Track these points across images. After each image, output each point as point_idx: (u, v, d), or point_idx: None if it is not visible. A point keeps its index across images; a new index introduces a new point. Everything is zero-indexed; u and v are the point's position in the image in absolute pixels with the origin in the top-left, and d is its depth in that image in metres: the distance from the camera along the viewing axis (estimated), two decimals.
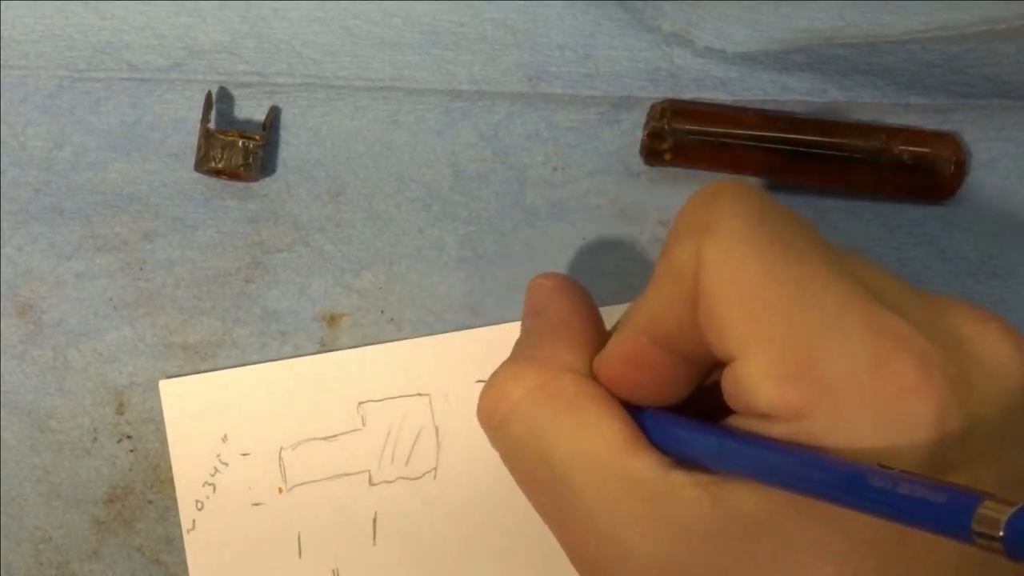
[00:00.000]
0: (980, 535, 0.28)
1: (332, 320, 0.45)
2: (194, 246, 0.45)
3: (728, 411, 0.35)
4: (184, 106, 0.45)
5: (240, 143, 0.44)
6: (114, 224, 0.45)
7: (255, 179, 0.45)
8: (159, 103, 0.45)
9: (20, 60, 0.44)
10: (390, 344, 0.45)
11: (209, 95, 0.44)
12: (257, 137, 0.44)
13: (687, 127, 0.44)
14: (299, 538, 0.44)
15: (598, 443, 0.36)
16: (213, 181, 0.45)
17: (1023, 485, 0.35)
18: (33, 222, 0.45)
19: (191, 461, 0.44)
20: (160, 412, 0.44)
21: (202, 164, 0.44)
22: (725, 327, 0.34)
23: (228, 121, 0.45)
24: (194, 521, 0.44)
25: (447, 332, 0.45)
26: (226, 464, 0.44)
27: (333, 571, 0.44)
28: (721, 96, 0.45)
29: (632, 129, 0.45)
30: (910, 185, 0.45)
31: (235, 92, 0.45)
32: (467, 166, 0.45)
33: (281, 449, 0.44)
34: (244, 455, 0.44)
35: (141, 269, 0.45)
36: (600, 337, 0.39)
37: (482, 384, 0.39)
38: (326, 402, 0.44)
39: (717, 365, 0.36)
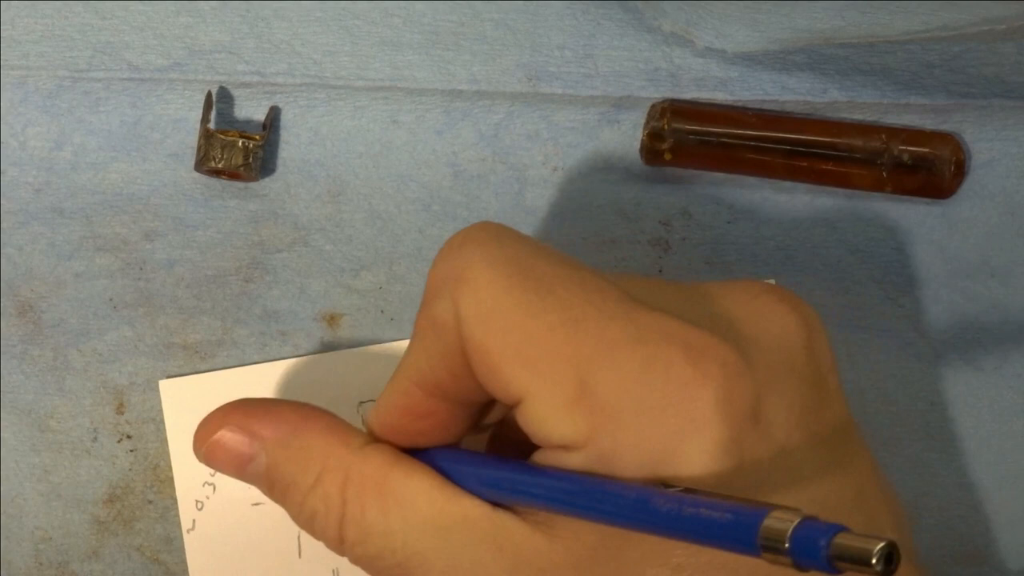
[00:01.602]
0: (767, 548, 0.28)
1: (332, 320, 0.45)
2: (194, 246, 0.45)
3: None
4: (184, 106, 0.45)
5: (240, 143, 0.44)
6: (114, 224, 0.45)
7: (255, 179, 0.45)
8: (159, 103, 0.45)
9: (20, 60, 0.44)
10: (390, 344, 0.45)
11: (209, 95, 0.44)
12: (257, 137, 0.44)
13: (687, 127, 0.44)
14: (299, 538, 0.44)
15: (419, 505, 0.35)
16: (213, 181, 0.45)
17: (829, 444, 0.35)
18: (33, 222, 0.45)
19: (191, 461, 0.44)
20: (160, 412, 0.44)
21: (202, 164, 0.44)
22: (500, 375, 0.34)
23: (228, 121, 0.45)
24: (194, 521, 0.44)
25: None
26: None
27: (333, 571, 0.44)
28: (721, 96, 0.45)
29: (632, 129, 0.45)
30: (910, 185, 0.45)
31: (235, 92, 0.45)
32: (467, 166, 0.45)
33: None
34: None
35: (141, 269, 0.45)
36: (326, 411, 0.39)
37: None
38: (326, 402, 0.44)
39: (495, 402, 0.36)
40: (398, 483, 0.36)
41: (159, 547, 0.44)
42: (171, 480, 0.44)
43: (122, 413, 0.45)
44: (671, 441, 0.32)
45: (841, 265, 0.45)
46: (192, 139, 0.45)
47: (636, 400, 0.32)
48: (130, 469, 0.44)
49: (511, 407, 0.35)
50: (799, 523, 0.27)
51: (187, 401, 0.44)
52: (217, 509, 0.44)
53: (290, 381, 0.44)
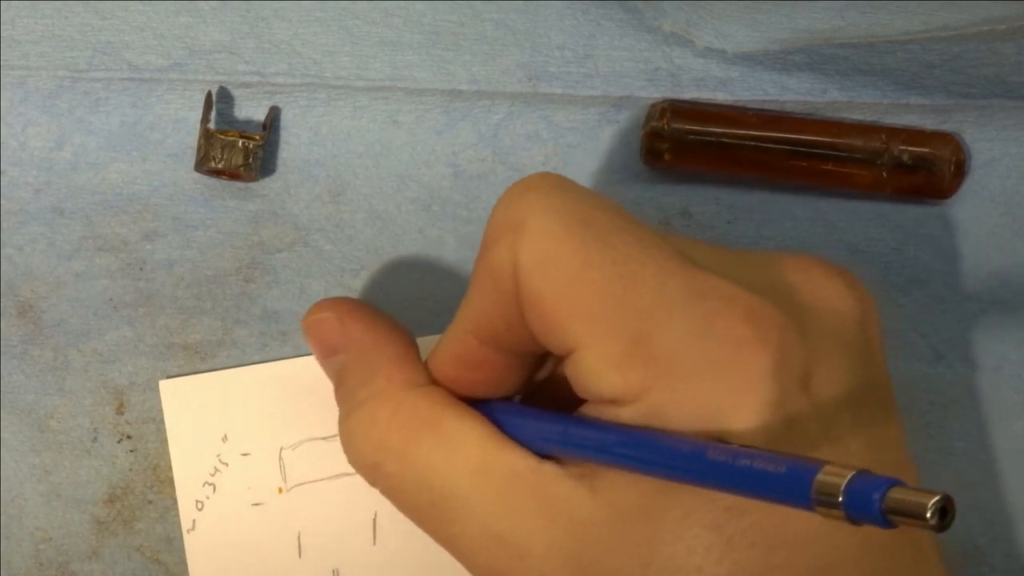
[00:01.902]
0: (820, 502, 0.28)
1: None
2: (194, 246, 0.45)
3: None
4: (184, 106, 0.45)
5: (240, 143, 0.44)
6: (114, 224, 0.45)
7: (255, 179, 0.45)
8: (159, 103, 0.45)
9: (20, 60, 0.44)
10: None
11: (209, 95, 0.44)
12: (257, 137, 0.44)
13: (687, 127, 0.44)
14: (299, 538, 0.44)
15: (467, 448, 0.36)
16: (213, 181, 0.45)
17: (873, 419, 0.35)
18: (33, 222, 0.45)
19: (191, 461, 0.44)
20: (160, 412, 0.44)
21: (202, 164, 0.44)
22: (554, 324, 0.34)
23: (228, 121, 0.45)
24: (194, 521, 0.44)
25: None
26: (226, 464, 0.44)
27: (333, 571, 0.44)
28: (721, 96, 0.45)
29: (632, 129, 0.45)
30: (910, 185, 0.45)
31: (235, 92, 0.45)
32: (467, 166, 0.45)
33: (281, 449, 0.44)
34: (244, 455, 0.44)
35: (141, 269, 0.45)
36: (413, 341, 0.40)
37: None
38: (326, 402, 0.44)
39: (551, 354, 0.36)
40: (450, 424, 0.36)
41: (159, 547, 0.44)
42: (171, 480, 0.44)
43: (122, 413, 0.45)
44: (726, 399, 0.32)
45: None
46: (192, 139, 0.45)
47: (693, 356, 0.33)
48: (130, 469, 0.44)
49: (561, 359, 0.35)
50: (853, 476, 0.28)
51: (187, 401, 0.44)
52: (217, 509, 0.44)
53: (290, 381, 0.44)
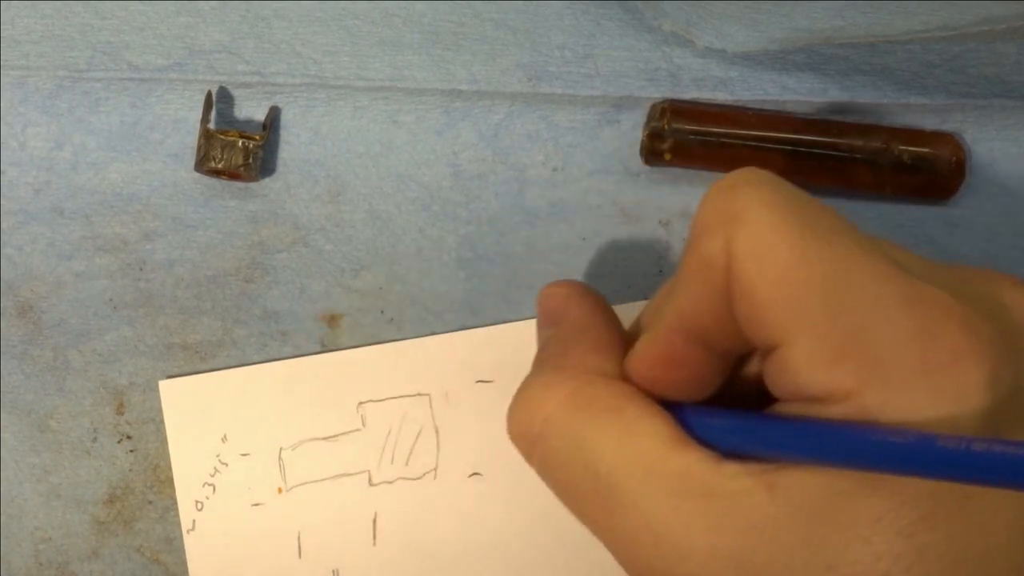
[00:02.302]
0: None
1: (332, 320, 0.45)
2: (194, 246, 0.45)
3: (762, 400, 0.35)
4: (184, 106, 0.45)
5: (240, 143, 0.44)
6: (114, 224, 0.45)
7: (255, 179, 0.45)
8: (159, 103, 0.45)
9: (20, 60, 0.44)
10: (390, 344, 0.45)
11: (209, 95, 0.44)
12: (257, 137, 0.44)
13: (687, 127, 0.44)
14: (299, 538, 0.44)
15: (643, 443, 0.35)
16: (213, 181, 0.45)
17: None
18: (33, 222, 0.45)
19: (191, 461, 0.44)
20: (160, 412, 0.44)
21: (202, 164, 0.44)
22: (765, 316, 0.34)
23: (228, 121, 0.45)
24: (194, 521, 0.44)
25: (447, 332, 0.45)
26: (226, 464, 0.44)
27: (333, 571, 0.44)
28: (721, 96, 0.45)
29: (632, 129, 0.45)
30: (910, 185, 0.45)
31: (235, 92, 0.45)
32: (467, 166, 0.45)
33: (281, 449, 0.44)
34: (244, 455, 0.44)
35: (141, 269, 0.45)
36: (622, 338, 0.39)
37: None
38: (326, 402, 0.44)
39: (746, 356, 0.36)
40: (630, 415, 0.36)
41: (159, 547, 0.44)
42: (171, 480, 0.44)
43: (122, 413, 0.45)
44: (940, 407, 0.32)
45: None
46: (192, 139, 0.45)
47: (909, 362, 0.32)
48: (130, 469, 0.44)
49: (763, 355, 0.34)
50: None
51: (187, 401, 0.44)
52: (217, 509, 0.44)
53: (290, 381, 0.44)
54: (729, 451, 0.35)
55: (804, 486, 0.33)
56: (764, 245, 0.34)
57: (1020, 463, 0.29)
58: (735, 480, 0.34)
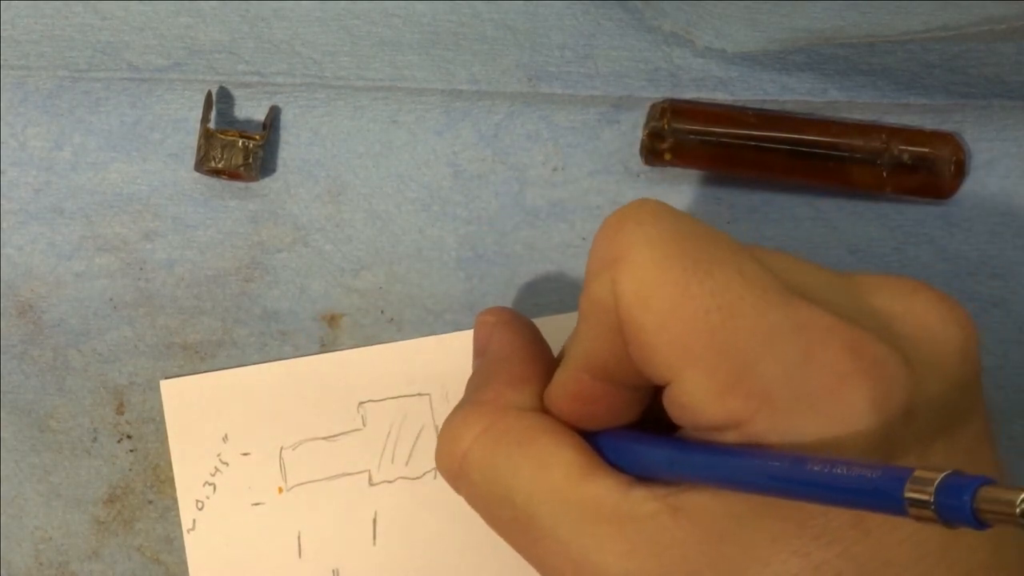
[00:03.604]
0: (914, 504, 0.28)
1: (332, 320, 0.45)
2: (194, 246, 0.45)
3: None
4: (184, 106, 0.45)
5: (240, 143, 0.44)
6: (114, 224, 0.45)
7: (255, 179, 0.45)
8: (159, 103, 0.45)
9: (20, 60, 0.44)
10: (390, 344, 0.45)
11: (209, 95, 0.44)
12: (257, 137, 0.44)
13: (687, 127, 0.44)
14: (299, 538, 0.44)
15: (554, 474, 0.36)
16: (213, 181, 0.45)
17: (974, 456, 0.35)
18: (33, 222, 0.45)
19: (191, 461, 0.44)
20: (160, 412, 0.44)
21: (202, 164, 0.44)
22: (654, 355, 0.34)
23: (228, 121, 0.45)
24: (194, 521, 0.44)
25: (447, 332, 0.45)
26: (226, 464, 0.44)
27: (333, 571, 0.44)
28: (721, 96, 0.45)
29: (632, 129, 0.45)
30: (910, 185, 0.45)
31: (235, 92, 0.45)
32: (467, 166, 0.45)
33: (281, 449, 0.44)
34: (244, 455, 0.44)
35: (141, 269, 0.45)
36: (546, 367, 0.40)
37: None
38: (326, 402, 0.44)
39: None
40: (541, 447, 0.37)
41: (159, 547, 0.44)
42: (171, 480, 0.44)
43: (122, 413, 0.45)
44: (824, 430, 0.32)
45: (841, 265, 0.45)
46: (192, 139, 0.45)
47: (793, 389, 0.33)
48: (130, 469, 0.44)
49: (660, 388, 0.35)
50: (944, 477, 0.28)
51: (187, 401, 0.44)
52: (217, 509, 0.44)
53: (290, 381, 0.44)
54: (642, 475, 0.36)
55: (705, 508, 0.34)
56: (647, 287, 0.34)
57: (876, 486, 0.29)
58: (643, 504, 0.35)
